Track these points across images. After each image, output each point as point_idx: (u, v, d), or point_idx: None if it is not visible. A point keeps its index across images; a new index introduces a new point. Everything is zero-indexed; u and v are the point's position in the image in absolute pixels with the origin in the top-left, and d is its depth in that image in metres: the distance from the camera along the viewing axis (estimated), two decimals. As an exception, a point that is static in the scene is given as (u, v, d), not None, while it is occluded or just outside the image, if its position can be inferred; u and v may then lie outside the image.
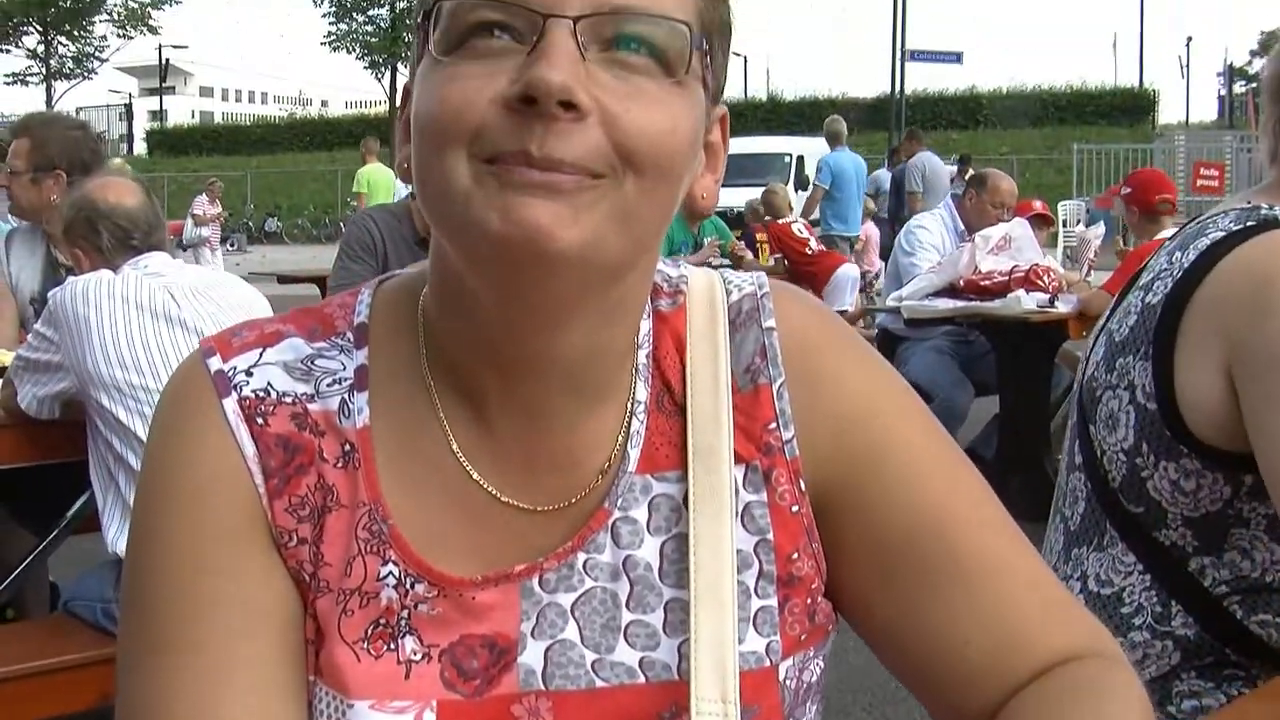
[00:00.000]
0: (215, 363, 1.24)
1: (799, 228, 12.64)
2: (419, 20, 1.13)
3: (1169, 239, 2.15)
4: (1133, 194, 8.66)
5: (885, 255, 17.51)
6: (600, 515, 1.24)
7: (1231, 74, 71.53)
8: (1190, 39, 74.96)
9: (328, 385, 1.24)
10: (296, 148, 62.03)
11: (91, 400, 3.79)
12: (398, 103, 1.24)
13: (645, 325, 1.30)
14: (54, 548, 4.27)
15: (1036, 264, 8.21)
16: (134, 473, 3.69)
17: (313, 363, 1.25)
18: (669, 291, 1.34)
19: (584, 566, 1.23)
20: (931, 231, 9.00)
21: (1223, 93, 70.41)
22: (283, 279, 16.60)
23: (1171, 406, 1.94)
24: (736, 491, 1.26)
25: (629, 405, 1.27)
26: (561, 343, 1.17)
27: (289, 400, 1.23)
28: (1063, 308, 7.82)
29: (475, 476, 1.22)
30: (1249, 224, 1.98)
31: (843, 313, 11.83)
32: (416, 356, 1.25)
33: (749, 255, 13.50)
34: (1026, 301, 7.78)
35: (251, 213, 46.99)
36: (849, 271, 12.33)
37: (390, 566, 1.19)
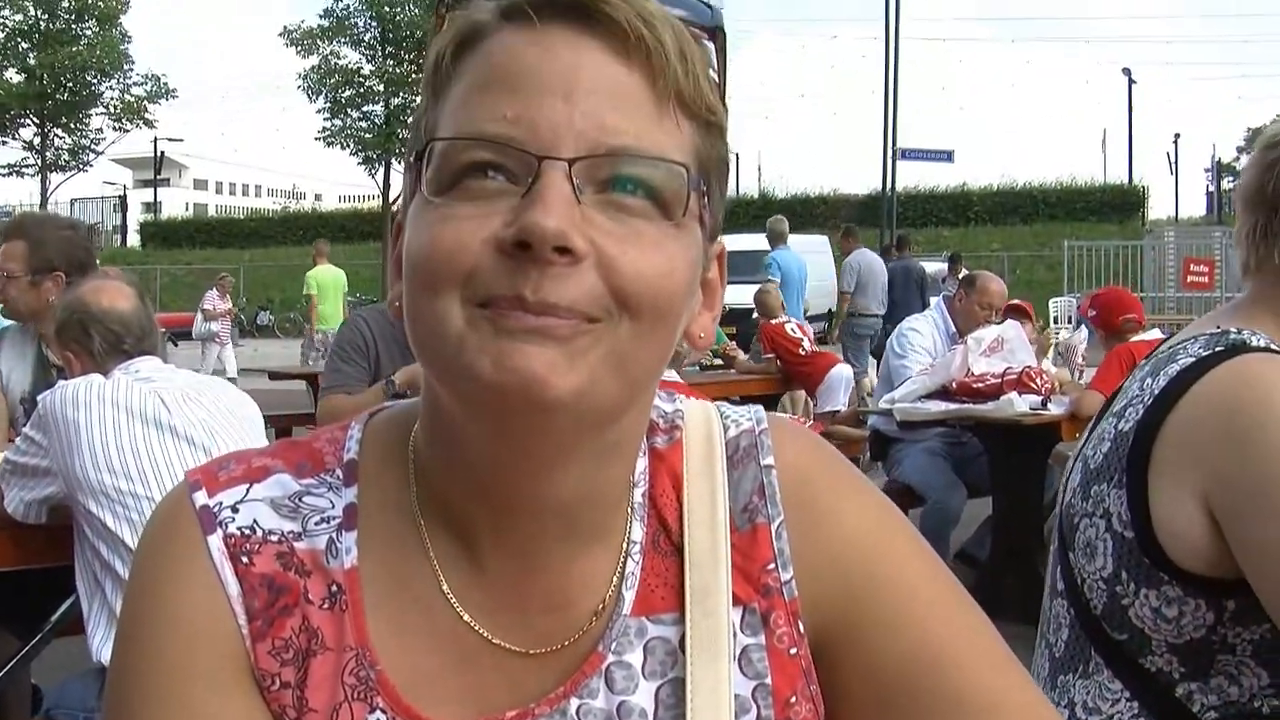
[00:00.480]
0: (201, 497, 1.22)
1: (792, 328, 12.62)
2: (411, 159, 1.12)
3: (1143, 364, 2.14)
4: (1097, 315, 8.75)
5: (875, 353, 17.59)
6: (594, 659, 1.21)
7: (1219, 170, 72.05)
8: (1178, 135, 75.52)
9: (315, 524, 1.21)
10: (290, 241, 61.97)
11: (79, 505, 3.76)
12: (389, 232, 1.23)
13: (641, 463, 1.28)
14: (37, 652, 4.24)
15: (1029, 366, 8.22)
16: (120, 580, 3.67)
17: (300, 500, 1.23)
18: (665, 428, 1.32)
19: (577, 713, 1.20)
20: (923, 334, 9.02)
21: (1211, 189, 70.86)
22: (274, 375, 16.60)
23: (1148, 534, 1.92)
24: (734, 634, 1.23)
25: (624, 545, 1.25)
26: (556, 485, 1.15)
27: (275, 539, 1.20)
28: (1055, 410, 7.83)
29: (466, 618, 1.20)
30: (1218, 349, 1.97)
31: (835, 413, 11.83)
32: (407, 494, 1.23)
33: (741, 355, 13.52)
34: (1019, 404, 7.78)
35: (244, 306, 46.96)
36: (842, 372, 12.30)
37: (378, 714, 1.16)
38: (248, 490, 1.23)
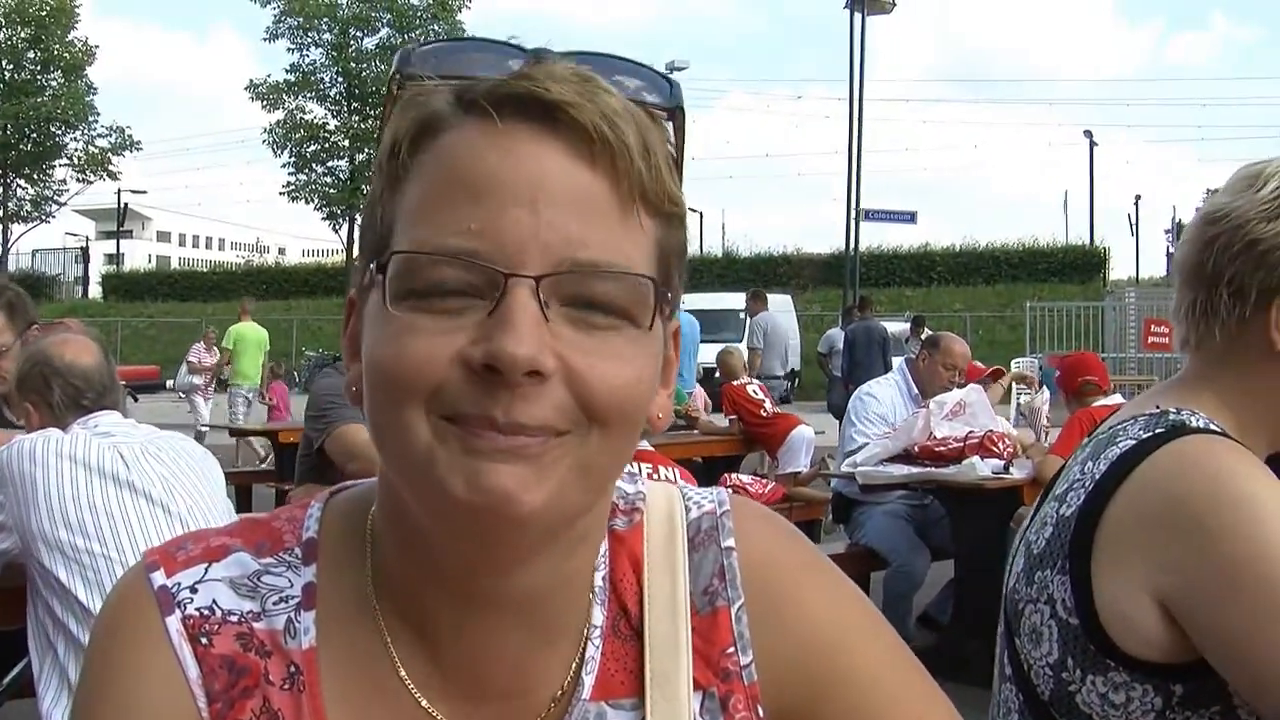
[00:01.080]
0: (159, 578, 1.20)
1: (754, 389, 12.65)
2: (368, 262, 1.10)
3: (1084, 446, 2.12)
4: (1060, 377, 8.82)
5: (837, 413, 17.61)
6: None
7: (1179, 231, 72.41)
8: (1139, 197, 76.04)
9: (274, 604, 1.20)
10: (253, 295, 61.75)
11: (34, 561, 3.73)
12: (343, 306, 1.22)
13: (602, 546, 1.26)
14: (-11, 715, 4.17)
15: (991, 430, 8.25)
16: (73, 639, 3.63)
17: (259, 579, 1.21)
18: (625, 509, 1.31)
19: None
20: (881, 401, 9.02)
21: (1171, 250, 71.36)
22: (234, 432, 16.56)
23: (1093, 621, 1.90)
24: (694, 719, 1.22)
25: (585, 631, 1.23)
26: (519, 580, 1.15)
27: (235, 619, 1.19)
28: (1017, 474, 7.86)
29: (424, 704, 1.18)
30: (1157, 430, 1.96)
31: (796, 474, 11.83)
32: (364, 579, 1.21)
33: (703, 415, 13.52)
34: (981, 468, 7.82)
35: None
36: (804, 433, 12.29)
37: None
38: (206, 570, 1.21)
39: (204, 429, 21.68)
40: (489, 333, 1.02)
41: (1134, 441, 1.96)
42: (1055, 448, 7.97)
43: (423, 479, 1.05)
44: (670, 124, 1.20)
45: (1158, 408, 2.04)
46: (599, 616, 1.24)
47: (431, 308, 1.04)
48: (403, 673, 1.18)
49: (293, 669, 1.17)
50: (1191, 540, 1.81)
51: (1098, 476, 1.96)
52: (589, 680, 1.22)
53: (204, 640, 1.17)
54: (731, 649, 1.25)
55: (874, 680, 1.27)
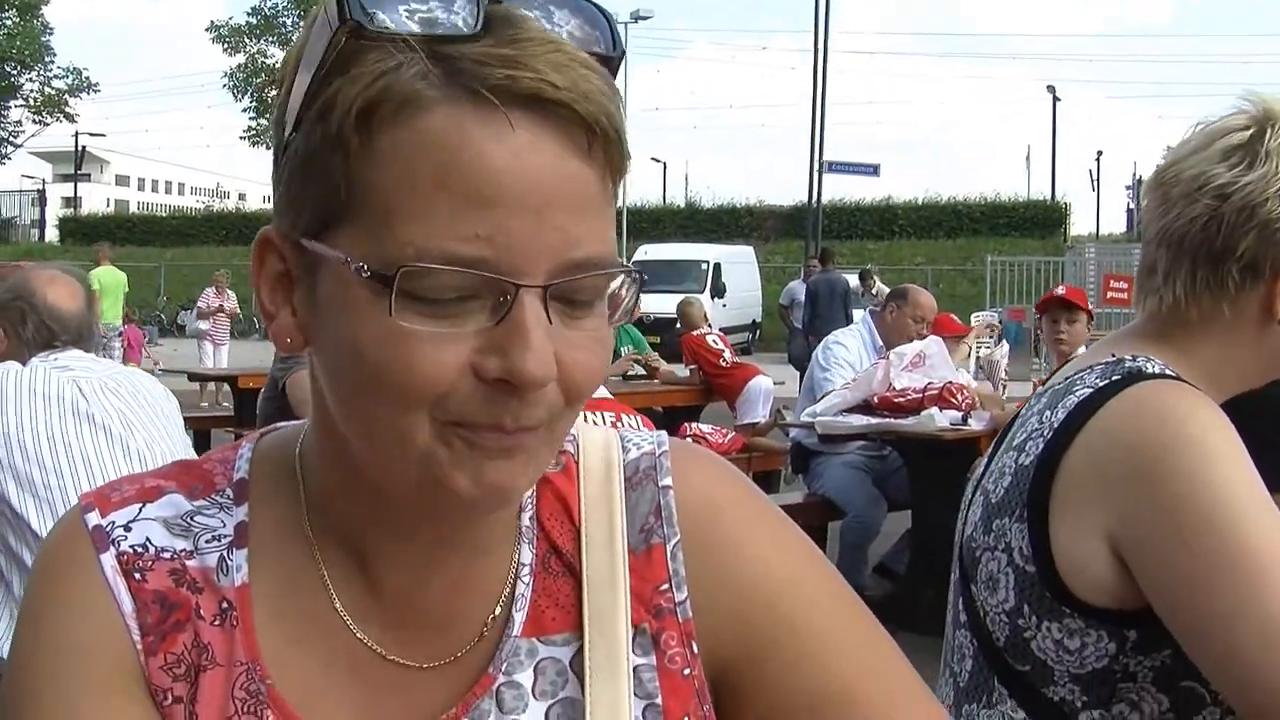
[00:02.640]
0: (94, 518, 1.21)
1: (713, 339, 12.67)
2: (361, 271, 1.03)
3: (1040, 395, 2.13)
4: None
5: (798, 365, 17.68)
6: (484, 680, 1.20)
7: (1140, 187, 72.73)
8: (1100, 153, 76.53)
9: (207, 542, 1.21)
10: (213, 241, 61.47)
11: (-9, 490, 3.68)
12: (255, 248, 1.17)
13: None
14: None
15: (950, 382, 8.29)
16: (27, 571, 3.59)
17: (192, 519, 1.22)
18: None
19: None
20: (849, 349, 9.06)
21: (1131, 206, 71.75)
22: (193, 376, 16.50)
23: (1050, 569, 1.91)
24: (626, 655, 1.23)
25: (513, 568, 1.24)
26: (466, 528, 1.19)
27: (168, 556, 1.20)
28: (976, 425, 7.90)
29: (359, 634, 1.20)
30: (1114, 378, 1.96)
31: (754, 424, 11.86)
32: (298, 513, 1.23)
33: (663, 365, 13.53)
34: (940, 419, 7.85)
35: (165, 305, 46.64)
36: (762, 383, 12.32)
37: None
38: (140, 509, 1.22)
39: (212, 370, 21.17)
40: (501, 346, 1.01)
41: (1090, 390, 1.97)
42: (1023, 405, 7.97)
43: (419, 475, 1.06)
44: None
45: (1113, 355, 2.05)
46: (527, 554, 1.24)
47: (433, 313, 1.02)
48: (338, 603, 1.19)
49: (225, 604, 1.18)
50: (1142, 483, 1.82)
51: (1055, 425, 1.96)
52: (519, 617, 1.22)
53: (137, 576, 1.18)
54: (665, 585, 1.24)
55: (816, 623, 1.26)
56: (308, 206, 1.07)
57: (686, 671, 1.23)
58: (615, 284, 1.09)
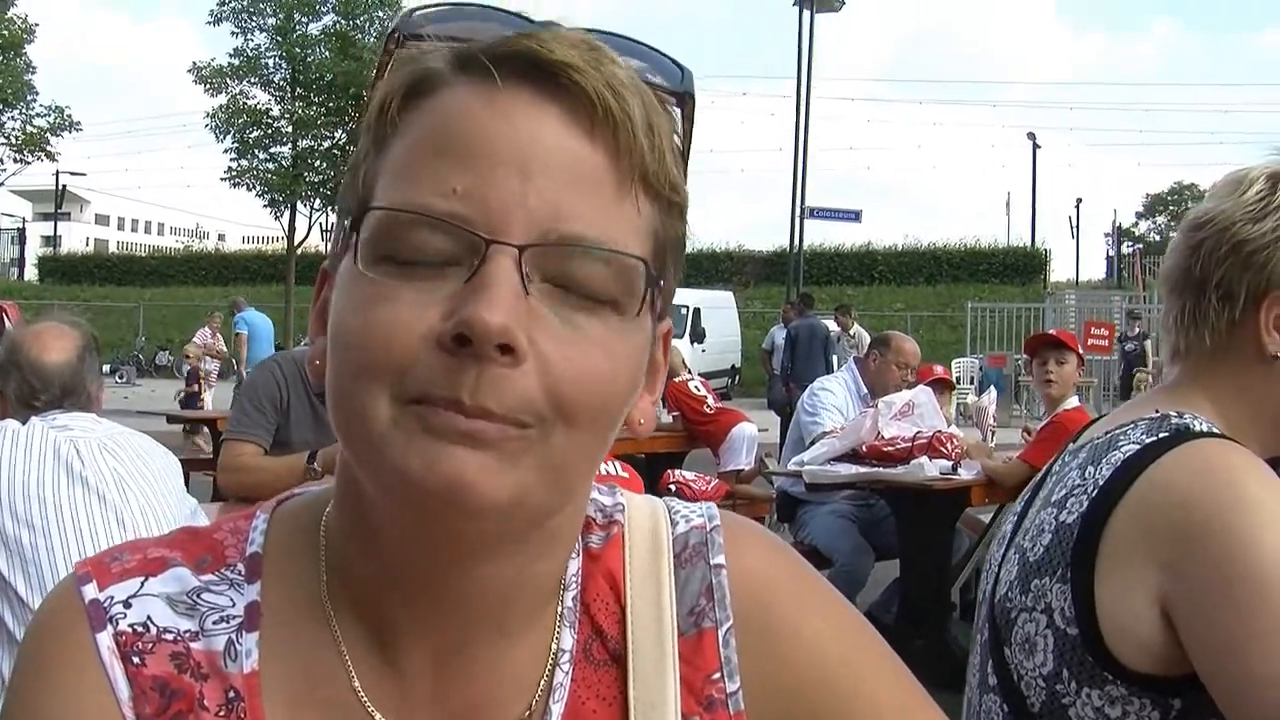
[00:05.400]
0: (90, 590, 1.10)
1: (695, 385, 12.57)
2: (347, 216, 1.01)
3: (1076, 449, 2.08)
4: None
5: (778, 410, 17.62)
6: None
7: (1119, 235, 73.44)
8: (1080, 200, 76.84)
9: (214, 623, 1.09)
10: (192, 281, 61.17)
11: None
12: (314, 283, 1.12)
13: (574, 564, 1.16)
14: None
15: (939, 431, 8.26)
16: (6, 632, 3.50)
17: (199, 597, 1.11)
18: (601, 524, 1.20)
19: None
20: (835, 394, 9.05)
21: (1111, 253, 72.19)
22: (172, 419, 16.39)
23: (1093, 631, 1.85)
24: None
25: (553, 654, 1.13)
26: (481, 577, 1.05)
27: (170, 638, 1.08)
28: (965, 475, 7.85)
29: (379, 719, 1.08)
30: (1162, 434, 1.92)
31: (739, 472, 11.77)
32: (318, 586, 1.11)
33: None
34: (929, 468, 7.80)
35: (143, 345, 46.44)
36: (746, 430, 12.22)
37: None
38: (142, 584, 1.11)
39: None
40: (463, 301, 0.93)
41: (1137, 446, 1.91)
42: (1028, 454, 7.91)
43: (380, 459, 0.97)
44: (679, 110, 1.12)
45: (1157, 411, 2.00)
46: (568, 640, 1.14)
47: (407, 275, 0.96)
48: (356, 684, 1.08)
49: (231, 694, 1.07)
50: (1196, 541, 1.77)
51: (1101, 482, 1.90)
52: (557, 709, 1.11)
53: (136, 659, 1.07)
54: (717, 674, 1.15)
55: (875, 709, 1.18)
56: (344, 211, 1.04)
57: None
58: (635, 290, 1.01)
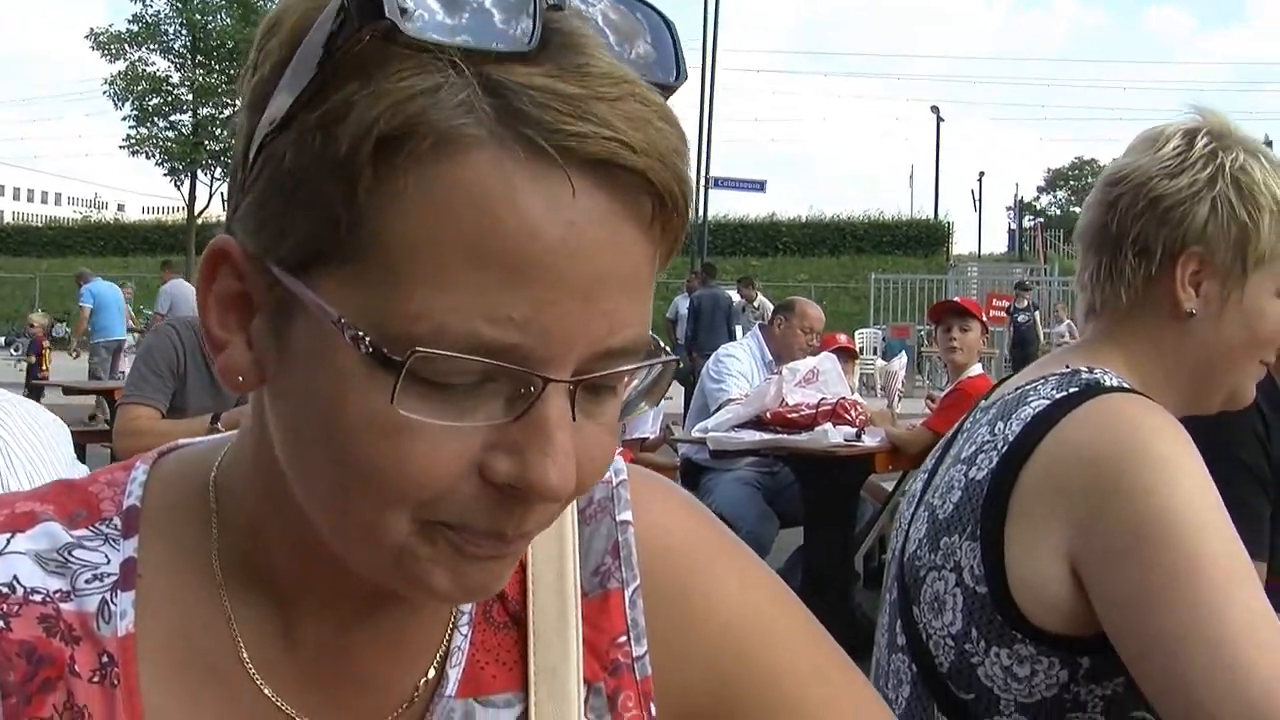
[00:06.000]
0: None
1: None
2: (360, 341, 0.82)
3: (987, 406, 2.06)
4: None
5: (682, 380, 17.62)
6: None
7: (1021, 208, 74.18)
8: (983, 174, 77.31)
9: (86, 582, 0.99)
10: (90, 252, 60.23)
11: None
12: (194, 246, 0.99)
13: None
14: None
15: (843, 398, 8.24)
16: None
17: (70, 554, 1.00)
18: None
19: None
20: (741, 360, 9.02)
21: (1013, 226, 72.90)
22: (69, 390, 16.08)
23: (1003, 590, 1.83)
24: None
25: (451, 617, 1.06)
26: None
27: (39, 599, 0.98)
28: (869, 441, 7.83)
29: (268, 693, 1.00)
30: (1072, 390, 1.90)
31: (643, 440, 11.74)
32: (206, 546, 1.02)
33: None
34: (833, 435, 7.76)
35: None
36: (651, 399, 12.22)
37: None
38: (8, 541, 1.00)
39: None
40: (518, 448, 0.83)
41: (1047, 402, 1.89)
42: (933, 421, 7.92)
43: (393, 565, 0.89)
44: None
45: (1067, 366, 1.98)
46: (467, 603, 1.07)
47: (439, 399, 0.83)
48: (245, 655, 1.00)
49: (105, 658, 0.97)
50: (1105, 496, 1.75)
51: (1011, 438, 1.88)
52: (454, 674, 1.05)
53: (1, 623, 0.97)
54: (623, 638, 1.09)
55: (795, 674, 1.13)
56: (291, 235, 0.85)
57: None
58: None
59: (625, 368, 0.87)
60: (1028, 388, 1.97)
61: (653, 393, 0.95)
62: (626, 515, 1.11)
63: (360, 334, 0.81)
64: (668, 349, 0.91)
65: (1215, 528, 1.70)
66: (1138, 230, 1.96)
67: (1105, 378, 1.93)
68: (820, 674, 1.15)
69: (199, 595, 1.01)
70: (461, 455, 0.83)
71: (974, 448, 1.95)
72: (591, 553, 1.10)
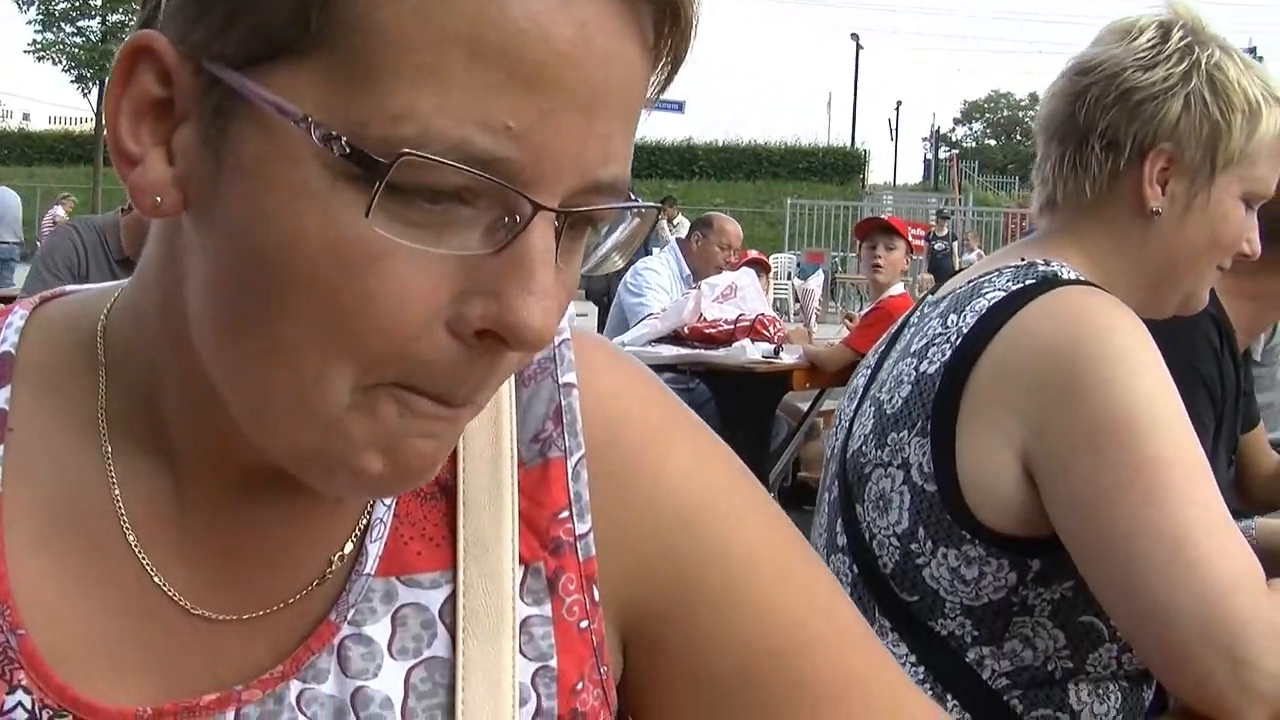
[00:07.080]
0: None
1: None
2: (333, 141, 0.71)
3: (936, 300, 1.99)
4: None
5: (596, 299, 17.57)
6: (324, 630, 0.90)
7: (937, 139, 74.70)
8: (900, 103, 77.82)
9: None
10: (-8, 160, 59.49)
11: None
12: (90, 174, 0.85)
13: None
14: None
15: (762, 314, 8.20)
16: None
17: None
18: None
19: (298, 701, 0.89)
20: (660, 274, 8.96)
21: (929, 157, 73.40)
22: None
23: (953, 488, 1.77)
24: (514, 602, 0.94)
25: None
26: None
27: None
28: (787, 358, 7.79)
29: (149, 568, 0.88)
30: (1028, 282, 1.83)
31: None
32: (91, 400, 0.90)
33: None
34: (751, 351, 7.73)
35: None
36: (567, 315, 12.18)
37: (20, 695, 0.84)
38: None
39: None
40: (496, 286, 0.74)
41: (1003, 293, 1.83)
42: (852, 339, 7.90)
43: (319, 447, 0.78)
44: None
45: (1022, 259, 1.92)
46: None
47: (411, 218, 0.72)
48: (127, 524, 0.88)
49: None
50: (1061, 391, 1.69)
51: (965, 330, 1.81)
52: (374, 550, 0.93)
53: None
54: (565, 513, 0.97)
55: (752, 556, 1.02)
56: (242, 23, 0.73)
57: (584, 624, 0.97)
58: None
59: (613, 205, 0.77)
60: (981, 280, 1.91)
61: (627, 244, 0.85)
62: (570, 377, 0.99)
63: (334, 133, 0.70)
64: (654, 204, 0.84)
65: (1175, 425, 1.66)
66: (1107, 122, 1.90)
67: (1063, 270, 1.88)
68: (780, 562, 1.04)
69: (79, 455, 0.89)
70: (433, 295, 0.74)
71: (924, 341, 1.89)
72: (530, 418, 0.98)
